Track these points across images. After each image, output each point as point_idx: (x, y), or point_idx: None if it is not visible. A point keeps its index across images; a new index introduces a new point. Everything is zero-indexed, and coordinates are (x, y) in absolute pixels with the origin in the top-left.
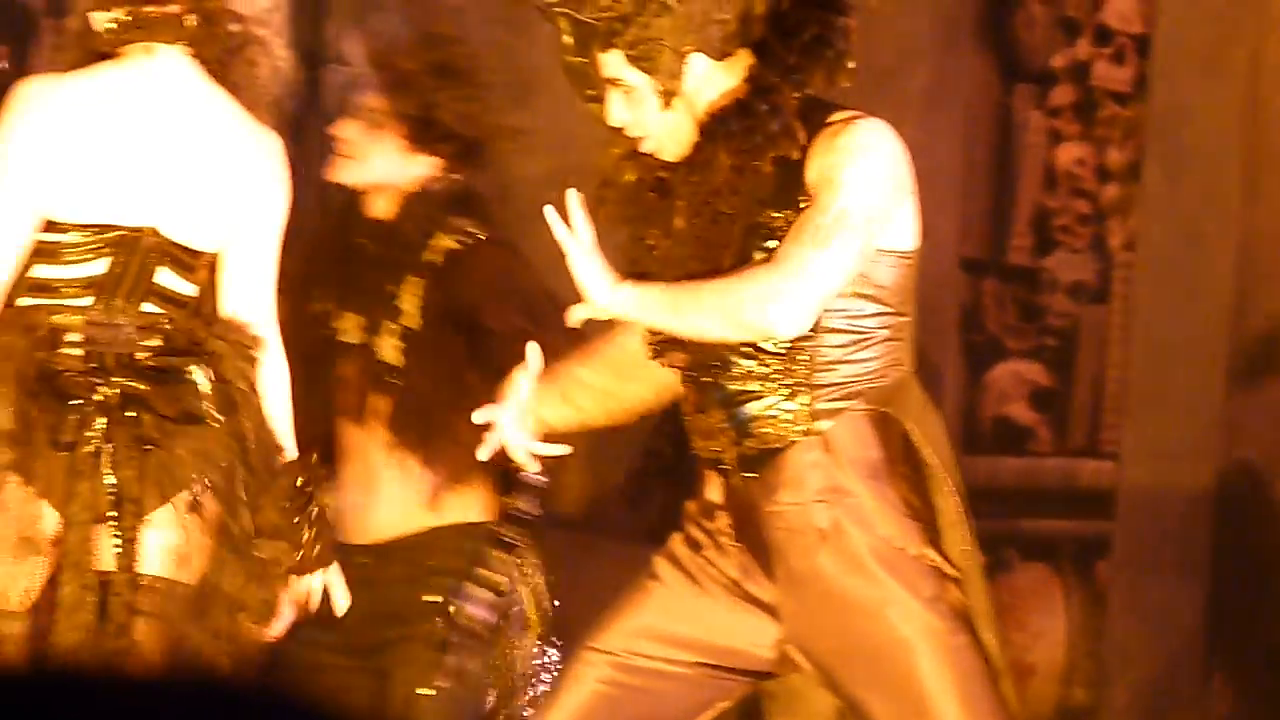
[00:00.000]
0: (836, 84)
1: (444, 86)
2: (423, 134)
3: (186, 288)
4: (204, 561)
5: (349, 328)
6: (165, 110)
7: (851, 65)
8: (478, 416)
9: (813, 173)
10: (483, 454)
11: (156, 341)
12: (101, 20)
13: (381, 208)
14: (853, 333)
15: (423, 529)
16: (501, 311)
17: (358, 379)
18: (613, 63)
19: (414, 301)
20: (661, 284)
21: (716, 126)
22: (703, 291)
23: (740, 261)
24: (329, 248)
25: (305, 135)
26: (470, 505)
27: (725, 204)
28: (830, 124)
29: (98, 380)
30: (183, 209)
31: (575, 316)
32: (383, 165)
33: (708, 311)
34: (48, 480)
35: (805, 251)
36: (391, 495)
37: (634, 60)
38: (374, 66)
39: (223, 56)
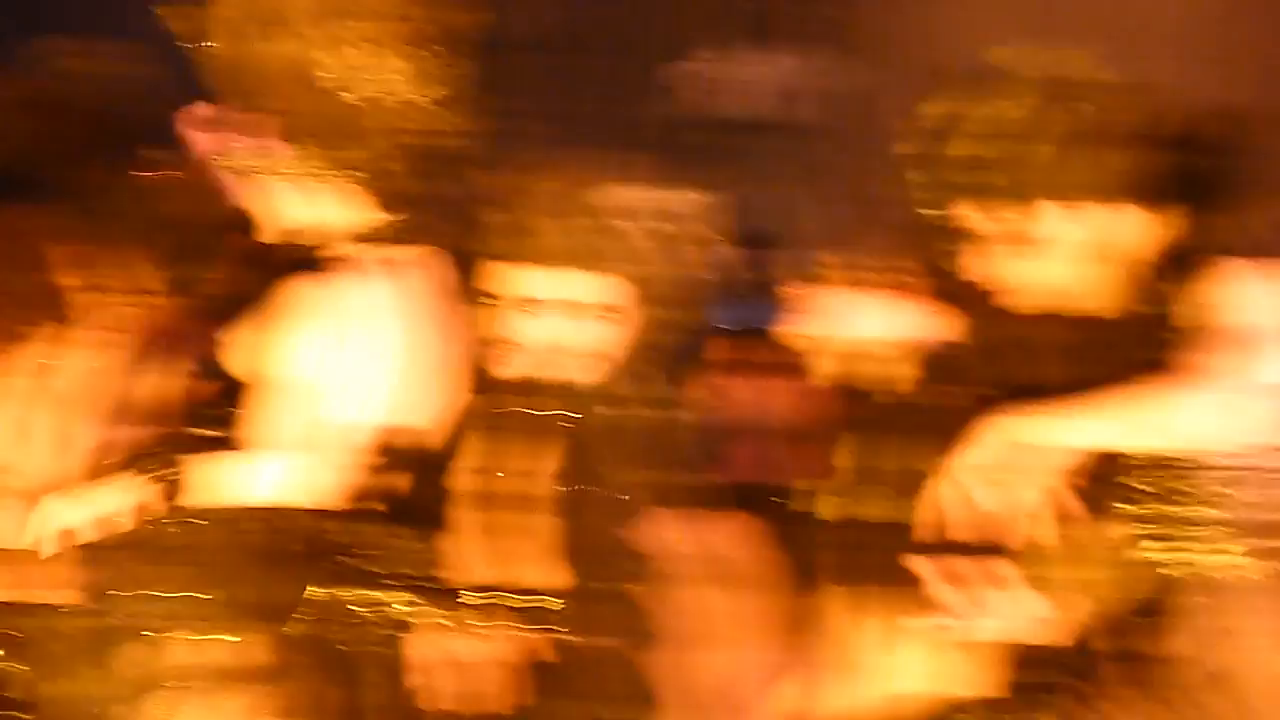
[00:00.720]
0: (1241, 232)
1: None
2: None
3: None
4: None
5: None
6: (396, 311)
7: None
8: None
9: (1217, 309)
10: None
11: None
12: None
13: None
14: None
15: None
16: None
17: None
18: (972, 215)
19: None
20: (1051, 403)
21: (1124, 278)
22: (1106, 404)
23: None
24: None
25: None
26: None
27: (1123, 355)
28: (1234, 270)
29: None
30: (394, 409)
31: None
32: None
33: (1114, 423)
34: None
35: (1213, 361)
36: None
37: (998, 209)
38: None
39: (608, 252)
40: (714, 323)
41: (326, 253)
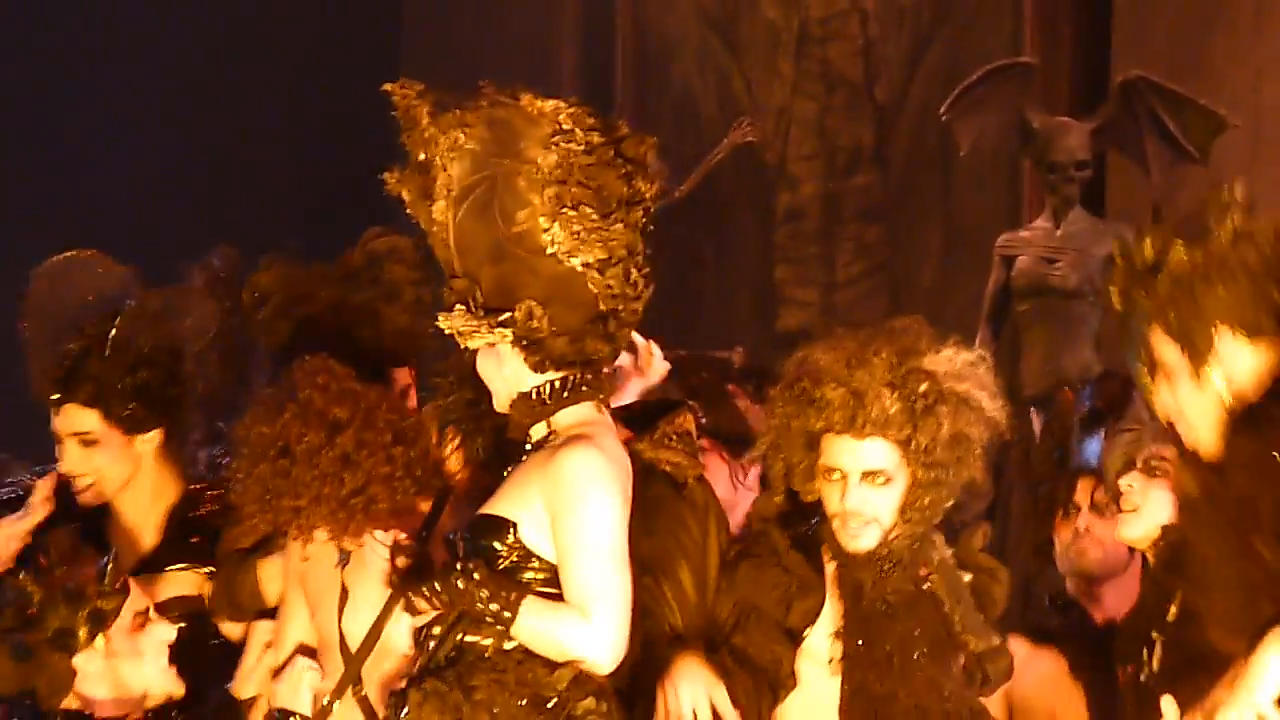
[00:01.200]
0: None
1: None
2: None
3: None
4: None
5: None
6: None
7: None
8: None
9: None
10: None
11: None
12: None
13: None
14: None
15: None
16: None
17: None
18: (1155, 339)
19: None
20: None
21: (1246, 415)
22: None
23: None
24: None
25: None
26: None
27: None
28: None
29: None
30: None
31: None
32: (1165, 515)
33: None
34: None
35: None
36: None
37: (1171, 334)
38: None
39: (913, 419)
40: (1075, 465)
41: (590, 426)
